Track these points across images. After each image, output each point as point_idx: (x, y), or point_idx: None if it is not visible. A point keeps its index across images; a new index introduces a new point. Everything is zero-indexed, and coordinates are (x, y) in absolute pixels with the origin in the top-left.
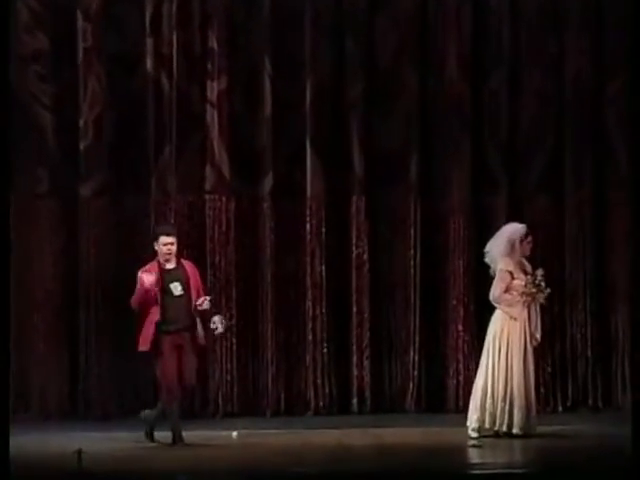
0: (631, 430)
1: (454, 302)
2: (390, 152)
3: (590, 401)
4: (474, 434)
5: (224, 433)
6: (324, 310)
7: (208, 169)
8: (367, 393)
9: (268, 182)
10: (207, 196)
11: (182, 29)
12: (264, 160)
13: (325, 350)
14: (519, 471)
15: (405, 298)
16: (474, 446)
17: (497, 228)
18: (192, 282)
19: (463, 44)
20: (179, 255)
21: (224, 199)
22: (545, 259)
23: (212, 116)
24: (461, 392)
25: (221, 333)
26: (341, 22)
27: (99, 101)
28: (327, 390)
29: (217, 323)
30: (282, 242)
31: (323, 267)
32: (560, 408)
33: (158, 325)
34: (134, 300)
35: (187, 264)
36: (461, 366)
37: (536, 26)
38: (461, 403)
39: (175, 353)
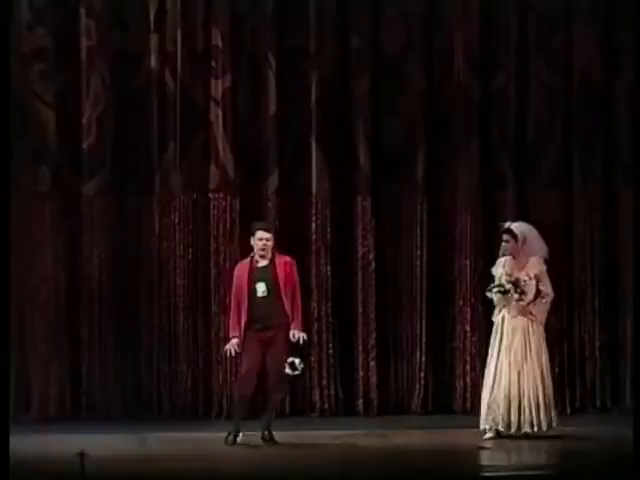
0: (633, 431)
1: (461, 302)
2: (396, 149)
3: (598, 402)
4: (486, 435)
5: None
6: (329, 310)
7: (212, 167)
8: (373, 394)
9: (273, 180)
10: (211, 194)
11: (186, 26)
12: (269, 158)
13: (331, 351)
14: (528, 473)
15: (412, 298)
16: (482, 448)
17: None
18: (281, 282)
19: (470, 39)
20: (275, 252)
21: (229, 197)
22: (553, 258)
23: (216, 114)
24: (468, 393)
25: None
26: (346, 17)
27: (102, 99)
28: (333, 391)
29: (287, 366)
30: (287, 241)
31: (328, 267)
32: (568, 410)
33: (246, 321)
34: (230, 301)
35: (281, 262)
36: (468, 367)
37: (544, 21)
38: (468, 404)
39: (259, 351)
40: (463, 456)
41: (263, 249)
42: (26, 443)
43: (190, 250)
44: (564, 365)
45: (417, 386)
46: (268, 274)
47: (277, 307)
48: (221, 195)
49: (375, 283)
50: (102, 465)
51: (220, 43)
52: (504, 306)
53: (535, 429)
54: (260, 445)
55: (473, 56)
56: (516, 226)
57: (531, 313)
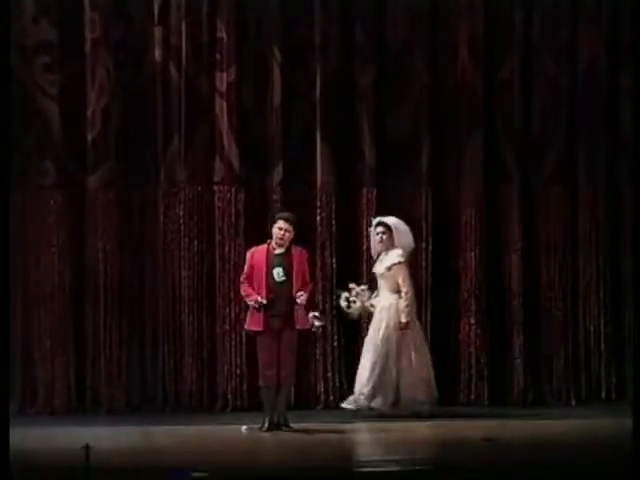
0: (632, 425)
1: (466, 295)
2: (401, 142)
3: (604, 394)
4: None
5: (233, 427)
6: (334, 303)
7: (217, 160)
8: None
9: (278, 173)
10: (216, 187)
11: (191, 18)
12: (273, 150)
13: (335, 344)
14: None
15: (416, 290)
16: (486, 439)
17: (509, 219)
18: (295, 269)
19: (475, 32)
20: (292, 243)
21: (233, 190)
22: (558, 252)
23: (221, 106)
24: (473, 385)
25: (318, 327)
26: (351, 10)
27: (106, 92)
28: (337, 384)
29: (312, 319)
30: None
31: (333, 259)
32: (573, 402)
33: (263, 307)
34: (242, 277)
35: (296, 251)
36: (473, 360)
37: (549, 14)
38: (472, 396)
39: (276, 337)
40: (468, 447)
41: (281, 238)
42: (31, 437)
43: (195, 243)
44: (569, 357)
45: None
46: (284, 261)
47: (290, 293)
48: (226, 188)
49: None
50: (107, 458)
51: (225, 36)
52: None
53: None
54: (272, 434)
55: (477, 50)
56: (388, 219)
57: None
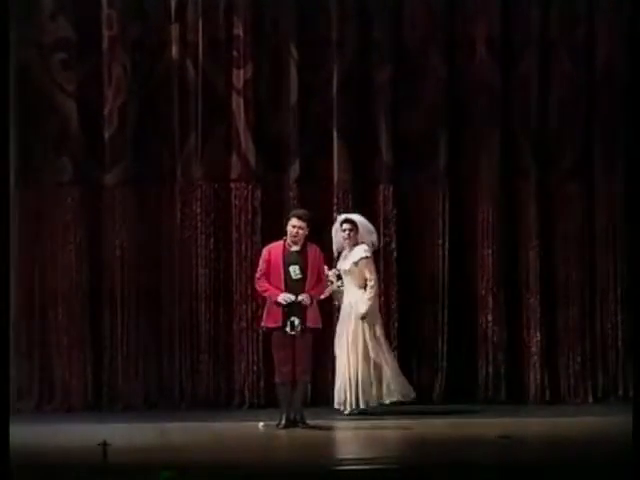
0: (632, 426)
1: (483, 292)
2: (418, 139)
3: (621, 392)
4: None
5: (250, 424)
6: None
7: (234, 157)
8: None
9: (294, 170)
10: (233, 184)
11: (207, 16)
12: (290, 148)
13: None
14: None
15: (433, 287)
16: (503, 437)
17: (526, 216)
18: (310, 266)
19: (492, 29)
20: (307, 241)
21: (250, 187)
22: (575, 249)
23: (238, 103)
24: (490, 383)
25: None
26: (368, 6)
27: (124, 89)
28: None
29: (295, 324)
30: (309, 230)
31: None
32: (590, 399)
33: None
34: (258, 274)
35: (311, 249)
36: (490, 357)
37: (567, 9)
38: (490, 394)
39: (289, 338)
40: (485, 446)
41: (295, 236)
42: (49, 433)
43: (212, 240)
44: (586, 354)
45: (439, 376)
46: (300, 258)
47: (305, 291)
48: (243, 185)
49: (397, 272)
50: (124, 455)
51: (242, 33)
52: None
53: (350, 408)
54: (288, 430)
55: (495, 46)
56: (354, 216)
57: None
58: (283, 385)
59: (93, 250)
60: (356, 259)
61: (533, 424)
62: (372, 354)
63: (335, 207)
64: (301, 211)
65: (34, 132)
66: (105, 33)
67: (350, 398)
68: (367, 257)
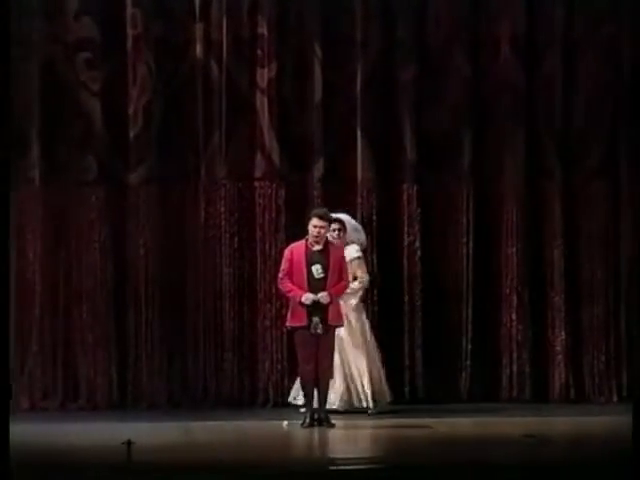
0: (632, 427)
1: (507, 291)
2: (442, 138)
3: None
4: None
5: (274, 423)
6: (375, 298)
7: (258, 156)
8: (419, 382)
9: (318, 169)
10: (257, 183)
11: (232, 14)
12: (314, 146)
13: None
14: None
15: (457, 286)
16: (528, 436)
17: (551, 215)
18: (332, 266)
19: (517, 27)
20: (328, 240)
21: (274, 186)
22: (600, 248)
23: (262, 102)
24: (515, 382)
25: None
26: (392, 5)
27: (148, 88)
28: None
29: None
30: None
31: (374, 255)
32: (615, 397)
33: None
34: (281, 273)
35: (333, 248)
36: (515, 356)
37: (591, 8)
38: (515, 393)
39: (312, 336)
40: (510, 445)
41: (316, 235)
42: (73, 432)
43: (235, 239)
44: (611, 353)
45: (463, 374)
46: (322, 257)
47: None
48: (266, 184)
49: (421, 271)
50: (148, 454)
51: (266, 32)
52: None
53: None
54: (313, 429)
55: (519, 45)
56: (342, 216)
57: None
58: (307, 384)
59: (117, 249)
60: (349, 259)
61: (558, 423)
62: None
63: (359, 206)
64: (322, 211)
65: (59, 131)
66: (129, 32)
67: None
68: (359, 257)
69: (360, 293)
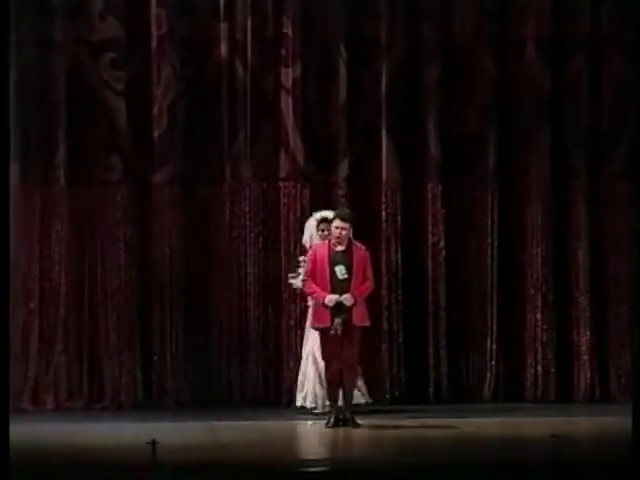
0: (632, 428)
1: (532, 291)
2: (467, 138)
3: None
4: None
5: (299, 422)
6: (400, 298)
7: (282, 156)
8: (443, 383)
9: (343, 169)
10: (281, 183)
11: (256, 14)
12: (339, 146)
13: (401, 339)
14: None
15: (482, 286)
16: (554, 436)
17: (576, 215)
18: (356, 266)
19: (542, 28)
20: (351, 241)
21: (299, 186)
22: (625, 248)
23: (286, 102)
24: (540, 382)
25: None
26: (417, 5)
27: (172, 88)
28: (403, 379)
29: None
30: (357, 229)
31: (398, 255)
32: None
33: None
34: (305, 275)
35: (357, 248)
36: (539, 356)
37: (617, 8)
38: (539, 393)
39: (337, 337)
40: (534, 445)
41: (338, 237)
42: (99, 431)
43: (260, 239)
44: (636, 353)
45: (488, 375)
46: (346, 259)
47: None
48: (291, 184)
49: (445, 271)
50: (173, 453)
51: (290, 32)
52: None
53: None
54: (337, 429)
55: (545, 46)
56: (329, 214)
57: None
58: (332, 384)
59: (142, 249)
60: None
61: (582, 423)
62: None
63: (384, 206)
64: (344, 212)
65: (84, 131)
66: (154, 32)
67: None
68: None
69: None
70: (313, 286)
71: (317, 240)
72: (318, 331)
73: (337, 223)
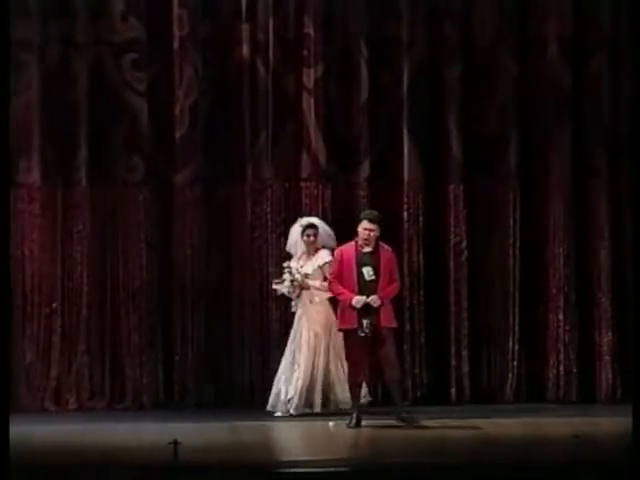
0: (632, 428)
1: (554, 291)
2: (488, 137)
3: None
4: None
5: (320, 423)
6: (421, 299)
7: (304, 156)
8: (465, 383)
9: (364, 169)
10: (303, 183)
11: (278, 15)
12: (360, 147)
13: (423, 340)
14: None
15: (504, 287)
16: (576, 436)
17: (597, 215)
18: (383, 267)
19: (563, 27)
20: (378, 242)
21: (320, 186)
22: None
23: (308, 102)
24: (562, 382)
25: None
26: (438, 4)
27: (194, 88)
28: (425, 380)
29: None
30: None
31: (420, 255)
32: None
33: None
34: (331, 276)
35: (384, 250)
36: (562, 356)
37: (638, 7)
38: (561, 394)
39: (364, 340)
40: (556, 445)
41: (366, 238)
42: (120, 432)
43: (282, 239)
44: None
45: (510, 375)
46: (373, 260)
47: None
48: (313, 184)
49: (467, 271)
50: (195, 454)
51: (312, 32)
52: (297, 296)
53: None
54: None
55: (566, 45)
56: (315, 220)
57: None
58: (354, 386)
59: (164, 249)
60: (321, 263)
61: (604, 424)
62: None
63: (405, 206)
64: (371, 213)
65: (106, 132)
66: (176, 33)
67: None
68: (331, 261)
69: (327, 295)
70: (340, 288)
71: (302, 246)
72: (344, 333)
73: (365, 224)
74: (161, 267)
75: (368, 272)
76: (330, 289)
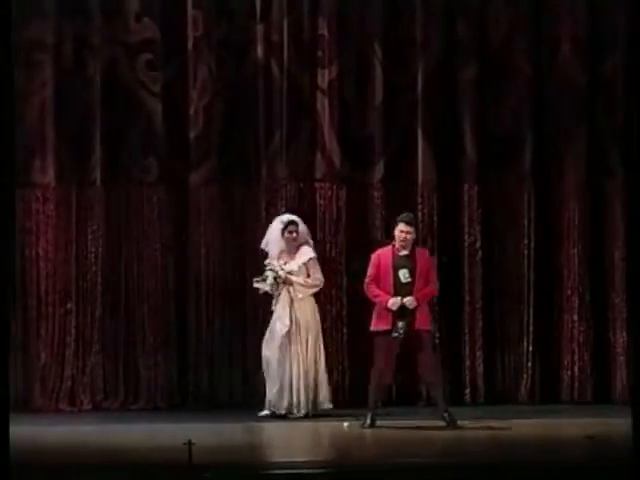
0: (632, 427)
1: (569, 292)
2: (503, 138)
3: None
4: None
5: (334, 423)
6: (435, 299)
7: (318, 157)
8: (480, 384)
9: (379, 169)
10: (317, 184)
11: (292, 15)
12: (375, 147)
13: (437, 341)
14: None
15: (518, 287)
16: (589, 437)
17: (612, 216)
18: (418, 270)
19: (578, 27)
20: (415, 245)
21: (335, 187)
22: None
23: (322, 103)
24: (576, 383)
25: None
26: (452, 5)
27: (209, 89)
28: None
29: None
30: (393, 230)
31: (435, 255)
32: None
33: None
34: (368, 278)
35: (420, 253)
36: (576, 357)
37: None
38: (576, 395)
39: (395, 343)
40: (571, 446)
41: (403, 240)
42: (135, 432)
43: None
44: None
45: (524, 376)
46: (409, 263)
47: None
48: (327, 184)
49: (482, 272)
50: (209, 454)
51: (326, 33)
52: (279, 294)
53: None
54: (362, 435)
55: (580, 45)
56: (295, 217)
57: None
58: (377, 388)
59: (178, 249)
60: (305, 260)
61: (619, 425)
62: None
63: (420, 207)
64: (408, 216)
65: (120, 132)
66: (190, 34)
67: (304, 400)
68: (314, 258)
69: (311, 291)
70: (376, 290)
71: (282, 243)
72: (374, 335)
73: (402, 227)
74: (176, 267)
75: (404, 275)
76: (367, 291)
